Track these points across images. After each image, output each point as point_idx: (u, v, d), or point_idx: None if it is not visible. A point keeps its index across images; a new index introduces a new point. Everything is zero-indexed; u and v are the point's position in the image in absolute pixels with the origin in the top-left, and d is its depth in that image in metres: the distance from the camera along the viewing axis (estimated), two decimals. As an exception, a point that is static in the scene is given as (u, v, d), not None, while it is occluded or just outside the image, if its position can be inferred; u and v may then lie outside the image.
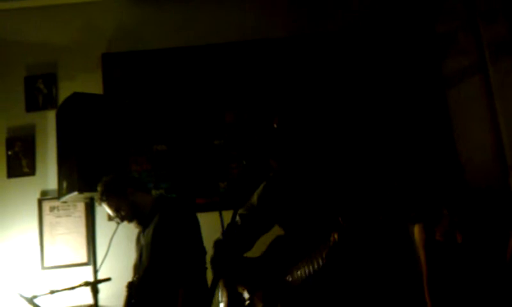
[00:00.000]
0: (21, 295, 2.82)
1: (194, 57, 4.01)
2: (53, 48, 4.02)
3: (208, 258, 2.31)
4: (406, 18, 4.00)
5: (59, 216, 3.76)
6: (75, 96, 3.35)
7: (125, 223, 2.84)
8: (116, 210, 2.78)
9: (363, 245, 1.80)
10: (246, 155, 1.80)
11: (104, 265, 2.98)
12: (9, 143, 3.87)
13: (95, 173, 3.09)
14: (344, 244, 1.71)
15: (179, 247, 2.61)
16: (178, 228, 2.65)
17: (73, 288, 2.86)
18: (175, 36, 4.03)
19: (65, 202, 3.53)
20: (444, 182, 2.65)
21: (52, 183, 3.73)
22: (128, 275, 2.86)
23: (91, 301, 2.92)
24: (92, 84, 3.85)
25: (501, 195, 2.87)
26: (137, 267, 2.83)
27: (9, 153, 3.85)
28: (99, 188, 2.80)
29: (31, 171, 3.84)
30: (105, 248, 2.93)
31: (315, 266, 1.78)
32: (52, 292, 2.85)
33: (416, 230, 2.71)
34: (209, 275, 2.63)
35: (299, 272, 1.86)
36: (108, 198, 2.78)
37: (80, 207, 3.77)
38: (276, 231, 2.16)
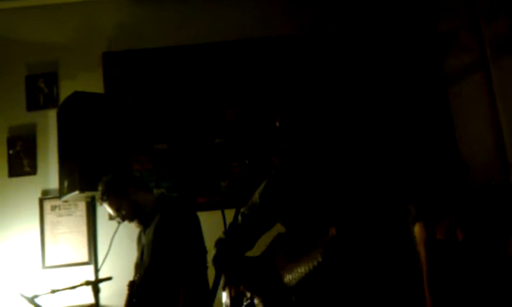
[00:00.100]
0: (22, 295, 2.82)
1: (194, 56, 4.01)
2: (54, 47, 4.01)
3: (210, 256, 2.31)
4: (407, 17, 3.99)
5: (60, 215, 3.76)
6: (76, 95, 3.35)
7: (126, 222, 2.84)
8: (117, 209, 2.77)
9: (361, 240, 1.80)
10: (248, 153, 1.80)
11: (105, 264, 2.97)
12: (11, 142, 3.87)
13: (96, 172, 3.09)
14: (342, 238, 1.71)
15: (180, 246, 2.61)
16: (179, 227, 2.65)
17: (74, 287, 2.86)
18: (176, 34, 4.03)
19: (66, 201, 3.53)
20: (446, 180, 2.64)
21: (53, 182, 3.73)
22: (129, 275, 2.87)
23: (92, 300, 2.92)
24: (93, 82, 3.86)
25: (502, 193, 2.87)
26: (139, 266, 2.83)
27: (11, 152, 3.85)
28: (100, 188, 2.80)
29: (32, 171, 3.84)
30: (106, 247, 2.92)
31: (314, 262, 1.78)
32: (53, 291, 2.85)
33: (417, 228, 2.70)
34: (210, 274, 2.64)
35: (298, 269, 1.86)
36: (109, 198, 2.77)
37: (82, 206, 3.77)
38: (277, 230, 2.16)
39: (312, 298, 1.83)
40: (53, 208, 3.77)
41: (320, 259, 1.76)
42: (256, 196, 2.15)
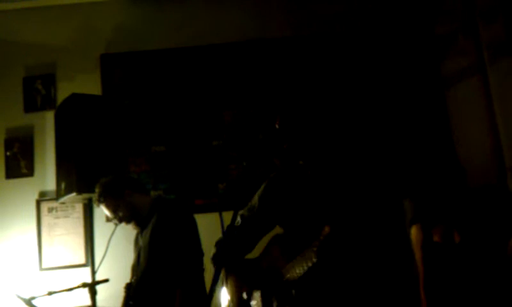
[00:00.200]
0: (19, 297, 2.82)
1: (192, 58, 4.01)
2: (52, 48, 4.01)
3: (207, 258, 2.31)
4: (405, 20, 4.00)
5: (57, 217, 3.76)
6: (74, 97, 3.35)
7: (123, 224, 2.83)
8: (114, 211, 2.77)
9: (355, 238, 1.80)
10: (246, 155, 1.80)
11: (102, 266, 2.97)
12: (8, 144, 3.86)
13: (94, 174, 3.09)
14: (336, 237, 1.71)
15: (177, 249, 2.61)
16: (175, 230, 2.65)
17: (71, 289, 2.86)
18: (174, 36, 4.03)
19: (63, 203, 3.52)
20: (443, 183, 2.65)
21: (50, 184, 3.72)
22: (126, 277, 2.86)
23: (89, 302, 2.92)
24: (91, 84, 3.85)
25: (499, 196, 2.87)
26: (135, 269, 2.83)
27: (8, 154, 3.85)
28: (97, 190, 2.80)
29: (30, 172, 3.84)
30: (103, 249, 2.92)
31: (309, 263, 1.79)
32: (50, 293, 2.85)
33: (414, 231, 2.70)
34: (207, 277, 2.64)
35: (295, 269, 1.86)
36: (106, 199, 2.78)
37: (79, 208, 3.76)
38: (275, 232, 2.16)
39: (310, 294, 1.83)
40: (50, 209, 3.76)
41: (314, 260, 1.76)
42: (255, 199, 2.15)
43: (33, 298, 2.82)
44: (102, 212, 2.92)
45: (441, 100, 3.90)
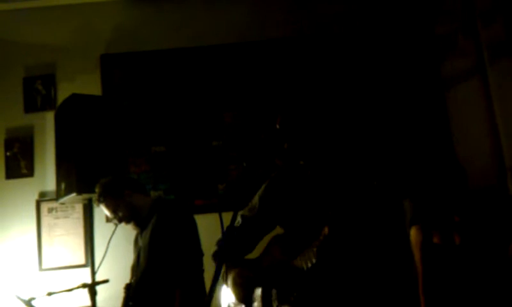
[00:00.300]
0: (18, 297, 2.82)
1: (192, 58, 4.01)
2: (52, 49, 4.01)
3: (207, 257, 2.30)
4: (405, 20, 4.00)
5: (57, 217, 3.76)
6: (74, 98, 3.35)
7: (123, 225, 2.84)
8: (114, 211, 2.78)
9: (355, 240, 1.80)
10: (246, 156, 1.80)
11: (101, 267, 2.97)
12: (8, 144, 3.86)
13: (94, 174, 3.09)
14: (335, 237, 1.71)
15: (176, 249, 2.61)
16: (175, 230, 2.65)
17: (71, 290, 2.86)
18: (174, 37, 4.03)
19: (63, 203, 3.52)
20: (443, 184, 2.64)
21: (50, 184, 3.73)
22: (126, 277, 2.86)
23: (89, 303, 2.92)
24: (91, 85, 3.85)
25: (500, 197, 2.87)
26: (135, 269, 2.83)
27: (8, 154, 3.85)
28: (97, 190, 2.80)
29: (30, 172, 3.84)
30: (103, 250, 2.92)
31: (308, 263, 1.79)
32: (50, 294, 2.85)
33: (413, 232, 2.70)
34: (207, 278, 2.64)
35: (294, 269, 1.87)
36: (106, 200, 2.78)
37: (79, 208, 3.76)
38: (275, 232, 2.16)
39: (310, 294, 1.83)
40: (50, 210, 3.76)
41: (314, 261, 1.76)
42: (256, 199, 2.15)
43: (33, 299, 2.82)
44: (102, 212, 2.92)
45: (441, 101, 3.90)
